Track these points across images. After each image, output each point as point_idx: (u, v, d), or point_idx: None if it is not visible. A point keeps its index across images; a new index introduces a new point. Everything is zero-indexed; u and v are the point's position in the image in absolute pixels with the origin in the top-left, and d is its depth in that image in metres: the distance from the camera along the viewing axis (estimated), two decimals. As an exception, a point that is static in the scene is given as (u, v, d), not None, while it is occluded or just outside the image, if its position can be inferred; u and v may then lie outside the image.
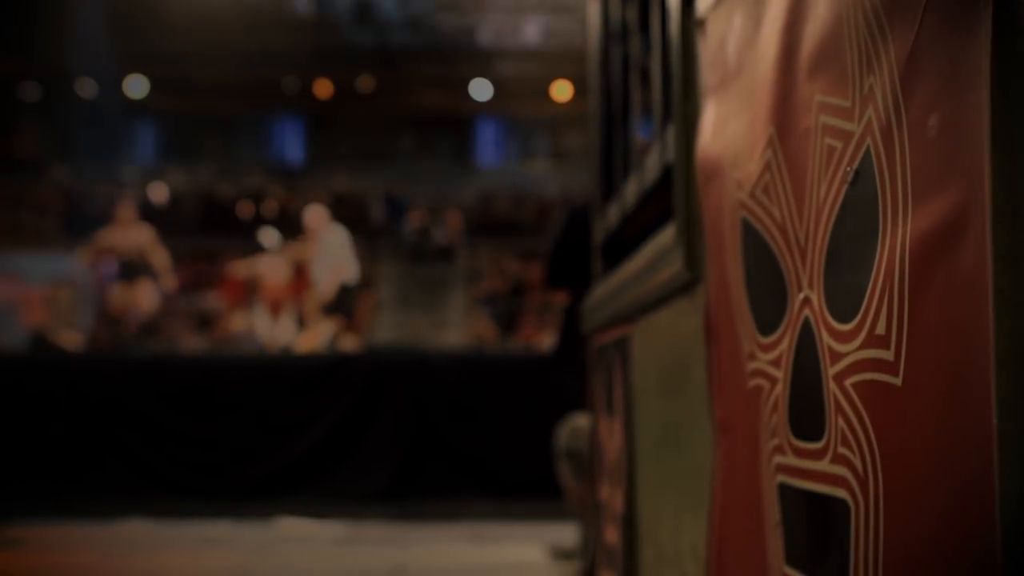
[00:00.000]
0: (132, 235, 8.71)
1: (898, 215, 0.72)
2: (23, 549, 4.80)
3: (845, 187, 0.82)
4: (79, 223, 13.84)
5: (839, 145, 0.83)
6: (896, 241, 0.72)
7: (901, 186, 0.72)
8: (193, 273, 12.93)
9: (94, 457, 5.97)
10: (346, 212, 15.10)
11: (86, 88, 17.67)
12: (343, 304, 8.26)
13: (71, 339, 9.17)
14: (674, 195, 1.42)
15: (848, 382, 0.81)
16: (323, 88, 18.23)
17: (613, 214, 2.30)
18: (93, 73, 17.02)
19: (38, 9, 15.10)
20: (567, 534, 4.42)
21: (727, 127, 1.16)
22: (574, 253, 4.28)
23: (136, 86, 17.75)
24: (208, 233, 13.76)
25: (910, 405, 0.70)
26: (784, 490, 0.97)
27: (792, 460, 0.94)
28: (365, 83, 18.10)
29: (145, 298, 8.66)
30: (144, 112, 18.20)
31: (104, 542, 4.98)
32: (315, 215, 8.61)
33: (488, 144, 19.05)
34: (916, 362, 0.70)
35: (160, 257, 8.75)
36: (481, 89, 18.05)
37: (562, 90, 17.46)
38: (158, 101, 17.87)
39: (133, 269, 8.57)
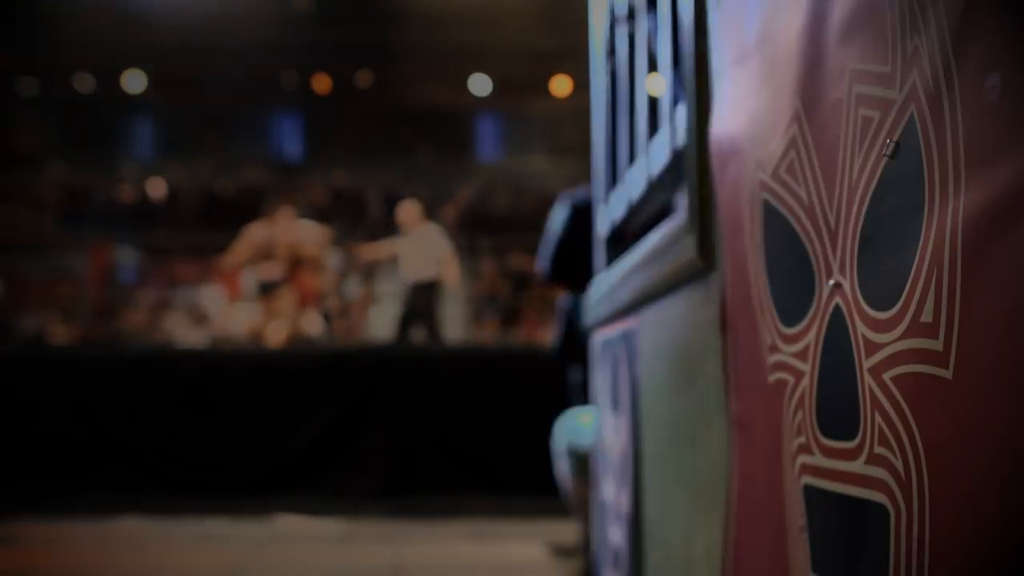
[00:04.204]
0: (293, 234, 8.18)
1: (947, 189, 0.65)
2: (19, 547, 4.74)
3: (883, 161, 0.75)
4: (77, 219, 13.78)
5: (876, 115, 0.76)
6: (945, 219, 0.65)
7: (952, 157, 0.64)
8: (191, 268, 12.86)
9: (90, 454, 5.91)
10: (345, 207, 15.02)
11: (84, 83, 17.59)
12: (416, 303, 8.19)
13: (69, 336, 9.10)
14: (685, 179, 1.35)
15: (887, 375, 0.73)
16: (321, 83, 18.15)
17: (618, 204, 2.23)
18: (91, 68, 16.94)
19: (36, 4, 15.02)
20: (567, 531, 4.36)
21: (746, 104, 1.09)
22: (576, 246, 4.22)
23: (134, 81, 17.67)
24: (207, 228, 13.69)
25: (962, 400, 0.63)
26: (810, 492, 0.90)
27: (820, 460, 0.87)
28: (364, 78, 18.02)
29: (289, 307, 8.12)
30: (142, 107, 18.12)
31: (100, 540, 4.92)
32: (408, 211, 8.54)
33: (487, 139, 18.97)
34: (970, 352, 0.63)
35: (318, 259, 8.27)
36: (480, 84, 17.98)
37: (561, 85, 17.39)
38: (156, 96, 17.79)
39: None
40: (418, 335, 8.12)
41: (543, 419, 4.47)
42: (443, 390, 6.01)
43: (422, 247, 8.27)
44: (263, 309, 7.95)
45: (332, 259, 8.77)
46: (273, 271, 8.02)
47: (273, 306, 7.87)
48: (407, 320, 8.29)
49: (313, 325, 7.98)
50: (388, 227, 13.63)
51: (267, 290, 8.00)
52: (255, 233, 8.25)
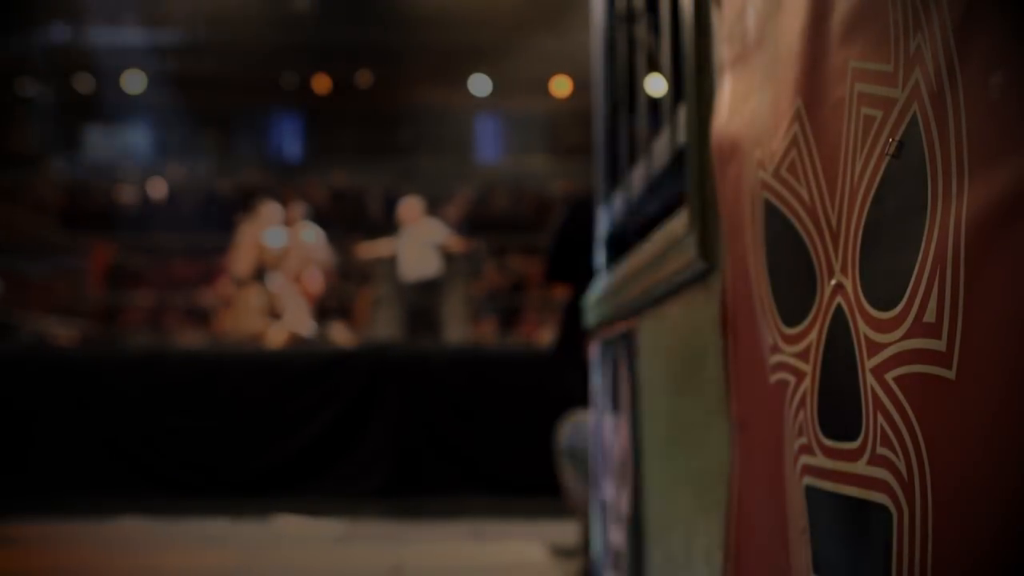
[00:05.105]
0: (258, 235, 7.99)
1: (951, 189, 0.65)
2: (19, 547, 4.73)
3: (886, 160, 0.74)
4: (77, 219, 13.77)
5: (878, 114, 0.75)
6: (948, 218, 0.65)
7: (955, 156, 0.64)
8: (191, 268, 12.85)
9: (90, 454, 5.90)
10: (345, 207, 15.01)
11: (84, 83, 17.58)
12: (417, 303, 8.18)
13: (69, 336, 9.09)
14: (687, 179, 1.35)
15: (890, 376, 0.73)
16: (321, 83, 18.14)
17: (618, 204, 2.22)
18: (91, 68, 16.94)
19: (36, 4, 15.01)
20: (568, 532, 4.35)
21: (747, 103, 1.08)
22: (575, 247, 4.22)
23: (134, 81, 17.66)
24: (207, 229, 13.69)
25: (966, 401, 0.63)
26: (812, 493, 0.90)
27: (822, 461, 0.87)
28: (363, 78, 18.01)
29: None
30: (142, 107, 18.10)
31: (100, 540, 4.92)
32: (408, 208, 8.53)
33: (487, 139, 18.95)
34: (973, 353, 0.62)
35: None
36: (480, 84, 17.96)
37: (561, 85, 17.37)
38: (156, 96, 17.77)
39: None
40: (424, 335, 8.11)
41: (543, 419, 4.46)
42: (443, 390, 6.00)
43: (422, 244, 8.27)
44: (235, 305, 7.96)
45: (323, 257, 8.72)
46: (242, 268, 8.01)
47: (241, 302, 7.86)
48: (412, 320, 8.27)
49: (307, 325, 7.97)
50: (388, 227, 13.64)
51: (239, 286, 8.01)
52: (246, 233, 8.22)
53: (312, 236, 8.62)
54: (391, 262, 8.77)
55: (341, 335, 8.30)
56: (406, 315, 8.35)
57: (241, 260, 8.07)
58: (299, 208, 8.88)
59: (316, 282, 8.46)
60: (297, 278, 8.21)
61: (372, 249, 9.37)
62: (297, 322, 7.85)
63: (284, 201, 9.06)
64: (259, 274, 7.92)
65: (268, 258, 7.98)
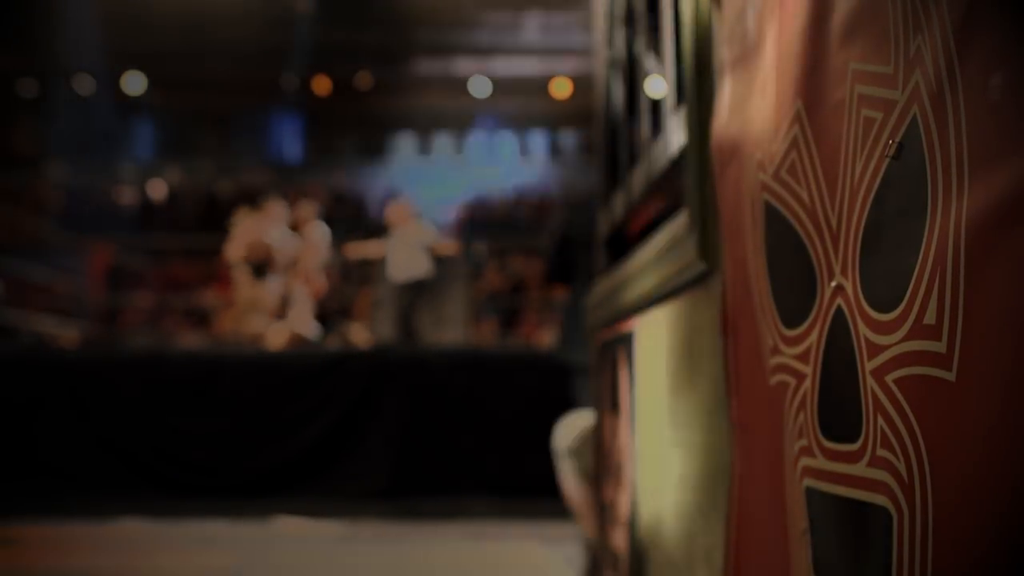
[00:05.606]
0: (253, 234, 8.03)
1: (951, 190, 0.65)
2: (19, 548, 4.73)
3: (886, 162, 0.74)
4: (77, 220, 13.78)
5: (878, 116, 0.75)
6: (948, 220, 0.65)
7: (955, 157, 0.64)
8: (191, 270, 12.86)
9: (90, 455, 5.90)
10: (344, 209, 15.03)
11: (83, 85, 17.58)
12: (405, 303, 8.20)
13: (68, 337, 9.09)
14: (686, 180, 1.35)
15: (890, 377, 0.73)
16: (321, 85, 18.14)
17: (618, 206, 2.22)
18: (90, 69, 16.94)
19: (36, 5, 15.01)
20: (567, 532, 4.35)
21: (747, 105, 1.08)
22: (575, 249, 4.23)
23: (134, 83, 17.66)
24: (206, 230, 13.70)
25: (966, 402, 0.63)
26: (812, 495, 0.90)
27: (822, 463, 0.87)
28: (364, 80, 18.02)
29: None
30: (142, 109, 18.10)
31: (100, 541, 4.92)
32: (397, 210, 8.55)
33: (487, 141, 18.95)
34: (974, 354, 0.62)
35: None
36: (480, 85, 17.97)
37: (561, 87, 17.38)
38: (156, 98, 17.78)
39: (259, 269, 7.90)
40: (414, 336, 8.12)
41: (543, 420, 4.46)
42: (443, 391, 6.00)
43: (409, 246, 8.27)
44: (238, 304, 7.95)
45: (322, 258, 8.72)
46: (234, 254, 7.98)
47: (244, 301, 7.84)
48: (402, 321, 8.29)
49: (311, 326, 7.97)
50: (388, 229, 13.62)
51: (234, 274, 8.01)
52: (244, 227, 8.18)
53: (320, 235, 8.62)
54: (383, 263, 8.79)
55: (359, 335, 8.31)
56: (396, 316, 8.37)
57: (235, 247, 8.04)
58: (310, 207, 8.87)
59: (321, 282, 8.47)
60: (306, 278, 8.20)
61: (361, 250, 9.37)
62: (301, 322, 7.85)
63: (288, 202, 9.05)
64: (261, 273, 7.91)
65: (276, 258, 7.97)
